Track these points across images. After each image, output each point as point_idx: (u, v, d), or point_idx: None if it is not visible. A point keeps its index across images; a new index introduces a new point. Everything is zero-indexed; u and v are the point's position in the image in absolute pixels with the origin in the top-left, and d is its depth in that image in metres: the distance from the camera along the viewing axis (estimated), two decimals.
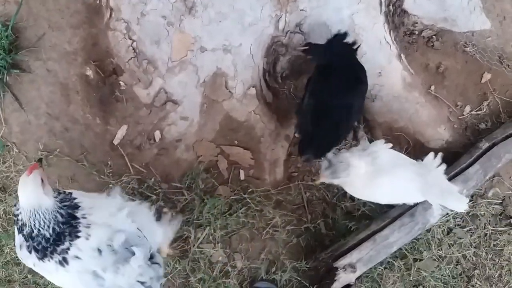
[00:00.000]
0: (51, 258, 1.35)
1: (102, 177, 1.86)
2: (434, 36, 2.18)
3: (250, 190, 1.97)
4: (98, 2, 1.92)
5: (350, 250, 1.88)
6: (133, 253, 1.42)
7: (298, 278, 1.95)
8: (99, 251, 1.37)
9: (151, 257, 1.51)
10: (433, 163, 1.79)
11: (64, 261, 1.36)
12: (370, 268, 1.94)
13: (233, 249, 1.94)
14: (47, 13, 1.86)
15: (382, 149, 1.73)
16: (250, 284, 1.93)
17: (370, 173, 1.66)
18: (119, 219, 1.45)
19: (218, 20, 1.86)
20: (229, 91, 1.97)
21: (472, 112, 2.16)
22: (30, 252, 1.36)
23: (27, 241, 1.35)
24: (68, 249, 1.35)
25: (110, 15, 1.88)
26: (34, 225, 1.32)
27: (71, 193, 1.43)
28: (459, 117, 2.15)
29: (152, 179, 1.90)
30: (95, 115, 1.89)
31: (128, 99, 1.90)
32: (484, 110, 2.17)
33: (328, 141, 1.81)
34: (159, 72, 1.90)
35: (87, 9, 1.88)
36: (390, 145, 1.76)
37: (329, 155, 1.68)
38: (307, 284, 1.93)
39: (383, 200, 1.86)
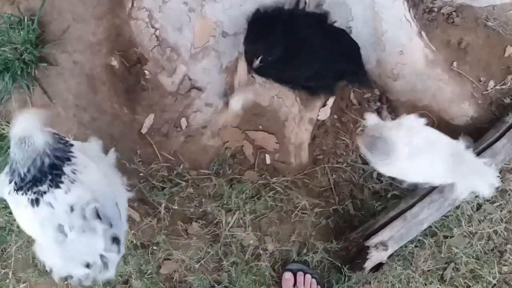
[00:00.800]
0: (26, 193, 1.32)
1: (132, 165, 1.87)
2: (454, 12, 2.16)
3: (276, 175, 1.98)
4: None
5: (380, 229, 1.87)
6: (102, 224, 1.38)
7: (330, 259, 1.95)
8: (72, 209, 1.34)
9: (116, 240, 1.44)
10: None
11: (36, 202, 1.32)
12: (401, 247, 1.93)
13: (263, 232, 1.95)
14: (71, 6, 1.86)
15: (420, 127, 1.62)
16: (283, 265, 1.94)
17: (407, 155, 1.55)
18: (104, 188, 1.41)
19: (239, 4, 1.87)
20: (252, 76, 1.97)
21: (496, 87, 2.14)
22: (10, 182, 1.33)
23: (11, 175, 1.33)
24: (45, 193, 1.31)
25: (132, 4, 1.89)
26: (13, 156, 1.28)
27: (72, 145, 1.38)
28: (483, 93, 2.13)
29: (181, 166, 1.91)
30: (122, 105, 1.90)
31: (153, 88, 1.91)
32: (509, 84, 2.14)
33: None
34: (182, 59, 1.91)
35: (109, 0, 1.89)
36: (424, 120, 1.64)
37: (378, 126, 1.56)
38: (339, 264, 1.94)
39: (412, 180, 1.80)
